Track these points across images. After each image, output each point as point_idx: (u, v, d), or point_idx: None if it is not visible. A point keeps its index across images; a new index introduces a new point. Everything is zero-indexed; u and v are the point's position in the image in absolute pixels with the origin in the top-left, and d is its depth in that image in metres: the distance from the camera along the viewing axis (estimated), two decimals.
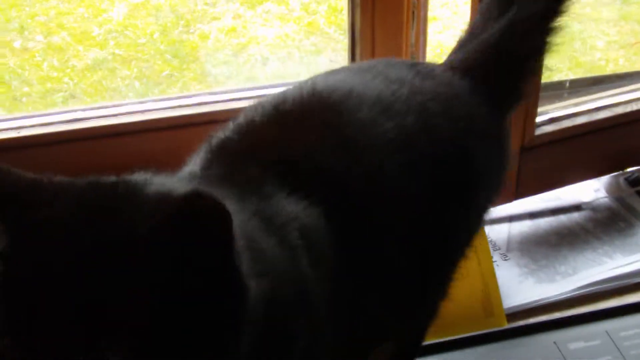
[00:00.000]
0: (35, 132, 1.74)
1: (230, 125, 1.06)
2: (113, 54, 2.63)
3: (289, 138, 1.02)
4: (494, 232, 1.72)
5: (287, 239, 0.91)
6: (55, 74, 2.54)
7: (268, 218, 0.91)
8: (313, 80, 1.11)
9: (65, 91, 2.49)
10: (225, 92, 1.85)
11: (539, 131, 1.71)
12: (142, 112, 1.80)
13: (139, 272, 0.73)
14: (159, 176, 0.88)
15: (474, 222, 1.23)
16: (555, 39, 1.23)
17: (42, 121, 1.76)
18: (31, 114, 1.85)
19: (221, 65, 2.68)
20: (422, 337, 1.31)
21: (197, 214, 0.72)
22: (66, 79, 2.53)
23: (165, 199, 0.77)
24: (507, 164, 1.24)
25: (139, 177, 0.85)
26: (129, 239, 0.74)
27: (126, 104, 1.83)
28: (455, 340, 1.44)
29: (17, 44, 2.59)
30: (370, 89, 1.08)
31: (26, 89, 2.46)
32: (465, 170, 1.12)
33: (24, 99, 2.44)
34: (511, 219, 1.76)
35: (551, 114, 1.76)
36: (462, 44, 1.26)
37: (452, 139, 1.11)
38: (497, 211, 1.73)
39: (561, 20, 1.22)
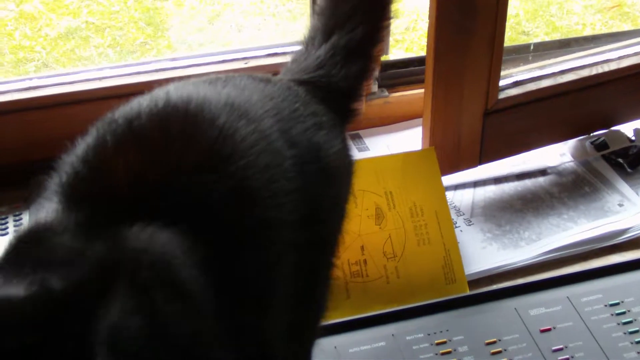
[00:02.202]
0: None
1: (79, 151, 0.97)
2: (86, 22, 2.60)
3: (146, 160, 0.95)
4: (458, 197, 1.70)
5: (135, 281, 0.86)
6: (27, 43, 2.52)
7: (117, 261, 0.85)
8: (166, 90, 1.04)
9: (38, 60, 2.46)
10: (185, 58, 1.83)
11: (502, 95, 1.69)
12: (100, 79, 1.78)
13: None
14: None
15: (340, 222, 1.19)
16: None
17: None
18: None
19: (195, 32, 2.65)
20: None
21: None
22: (39, 48, 2.50)
23: None
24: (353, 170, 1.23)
25: None
26: None
27: (84, 71, 1.80)
28: (415, 307, 1.42)
29: None
30: (223, 97, 1.03)
31: None
32: (323, 167, 1.10)
33: None
34: (475, 184, 1.74)
35: (515, 77, 1.74)
36: (295, 59, 1.26)
37: (306, 138, 1.08)
38: (461, 176, 1.72)
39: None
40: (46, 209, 0.96)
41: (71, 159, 0.97)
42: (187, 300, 0.90)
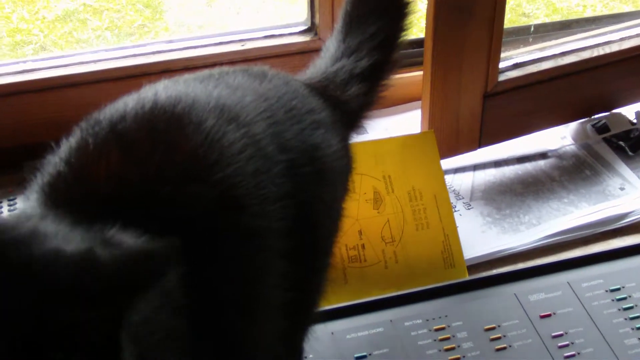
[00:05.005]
0: None
1: (62, 152, 0.94)
2: (84, 4, 2.59)
3: (128, 165, 0.91)
4: (458, 181, 1.68)
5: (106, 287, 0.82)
6: (25, 26, 2.50)
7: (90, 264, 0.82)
8: (154, 90, 1.01)
9: (36, 43, 2.44)
10: (182, 40, 1.81)
11: (502, 77, 1.67)
12: (97, 61, 1.76)
13: None
14: None
15: (336, 223, 1.17)
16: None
17: None
18: None
19: (193, 14, 2.63)
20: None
21: None
22: (36, 31, 2.49)
23: None
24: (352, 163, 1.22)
25: None
26: None
27: (80, 54, 1.78)
28: (414, 292, 1.40)
29: None
30: (213, 98, 1.00)
31: None
32: (318, 169, 1.07)
33: None
34: (475, 167, 1.72)
35: (515, 59, 1.72)
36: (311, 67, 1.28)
37: (301, 140, 1.06)
38: (460, 159, 1.70)
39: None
40: (25, 208, 0.94)
41: (54, 159, 0.94)
42: (161, 309, 0.87)
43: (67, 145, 0.95)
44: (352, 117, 1.24)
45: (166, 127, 0.95)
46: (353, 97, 1.23)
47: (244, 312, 0.97)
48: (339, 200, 1.17)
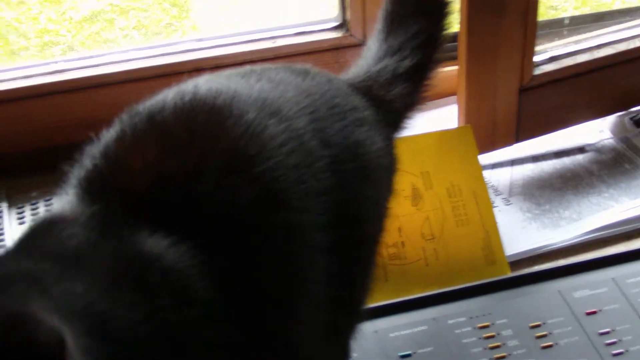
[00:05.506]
0: (18, 85, 1.70)
1: (100, 144, 0.94)
2: (110, 4, 2.58)
3: (166, 158, 0.90)
4: (496, 177, 1.66)
5: (142, 284, 0.83)
6: (52, 27, 2.49)
7: (125, 268, 0.84)
8: (195, 83, 1.00)
9: (64, 44, 2.44)
10: (212, 39, 1.79)
11: (538, 71, 1.66)
12: (126, 61, 1.75)
13: None
14: None
15: (380, 221, 1.15)
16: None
17: (26, 73, 1.72)
18: (13, 66, 1.80)
19: (221, 12, 2.62)
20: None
21: None
22: (63, 31, 2.48)
23: None
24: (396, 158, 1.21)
25: None
26: None
27: (109, 54, 1.77)
28: (456, 290, 1.38)
29: None
30: (255, 92, 0.98)
31: (24, 43, 2.41)
32: (361, 166, 1.05)
33: (22, 53, 2.39)
34: (513, 162, 1.70)
35: (551, 53, 1.71)
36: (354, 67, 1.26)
37: (344, 136, 1.04)
38: (497, 155, 1.68)
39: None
40: (63, 201, 0.93)
41: (92, 152, 0.94)
42: (198, 308, 0.86)
43: (106, 137, 0.95)
44: (395, 117, 1.23)
45: (206, 120, 0.94)
46: (397, 97, 1.21)
47: (285, 309, 0.96)
48: (383, 198, 1.15)
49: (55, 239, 0.85)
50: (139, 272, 0.83)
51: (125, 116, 0.96)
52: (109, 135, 0.95)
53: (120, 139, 0.93)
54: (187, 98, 0.95)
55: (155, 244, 0.85)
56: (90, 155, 0.93)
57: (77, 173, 0.94)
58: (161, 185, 0.89)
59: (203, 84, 0.99)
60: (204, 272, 0.87)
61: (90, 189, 0.91)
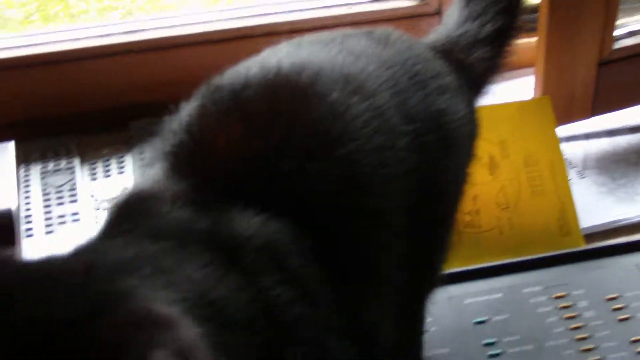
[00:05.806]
0: (91, 44, 1.70)
1: (183, 118, 0.93)
2: None
3: (249, 137, 0.89)
4: (570, 149, 1.63)
5: (238, 264, 0.82)
6: None
7: (222, 244, 0.83)
8: (278, 56, 0.98)
9: (123, 8, 2.43)
10: (287, 2, 1.78)
11: (617, 45, 1.63)
12: (199, 23, 1.75)
13: None
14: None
15: (461, 188, 1.14)
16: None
17: (98, 32, 1.72)
18: (87, 25, 1.81)
19: None
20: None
21: None
22: None
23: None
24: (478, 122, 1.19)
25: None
26: None
27: (184, 15, 1.78)
28: (531, 259, 1.37)
29: None
30: (338, 67, 0.96)
31: (84, 6, 2.40)
32: (444, 136, 1.03)
33: (81, 16, 2.38)
34: (587, 136, 1.67)
35: (630, 27, 1.68)
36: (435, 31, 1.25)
37: (426, 106, 1.02)
38: (571, 128, 1.65)
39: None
40: (149, 177, 0.93)
41: (175, 126, 0.93)
42: (296, 285, 0.85)
43: (188, 110, 0.94)
44: (477, 81, 1.21)
45: (289, 98, 0.92)
46: (478, 61, 1.20)
47: (366, 290, 0.95)
48: (464, 166, 1.14)
49: (156, 218, 0.85)
50: (237, 253, 0.82)
51: (206, 90, 0.95)
52: (190, 109, 0.94)
53: (203, 115, 0.92)
54: (270, 75, 0.94)
55: (248, 223, 0.85)
56: (173, 130, 0.93)
57: (160, 146, 0.93)
58: (245, 166, 0.88)
59: (286, 57, 0.98)
60: (296, 253, 0.86)
61: (176, 165, 0.91)
